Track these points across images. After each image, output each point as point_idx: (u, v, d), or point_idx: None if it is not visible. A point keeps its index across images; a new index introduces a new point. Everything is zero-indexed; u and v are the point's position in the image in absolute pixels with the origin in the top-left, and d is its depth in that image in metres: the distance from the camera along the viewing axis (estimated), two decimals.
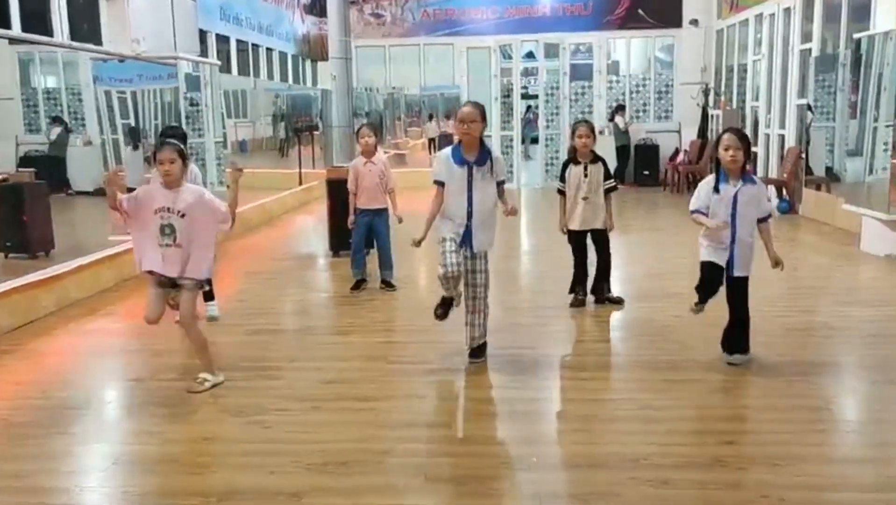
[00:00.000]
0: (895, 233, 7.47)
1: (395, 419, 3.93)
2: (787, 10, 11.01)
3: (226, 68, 10.40)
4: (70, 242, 8.16)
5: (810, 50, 10.31)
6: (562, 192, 5.81)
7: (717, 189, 4.33)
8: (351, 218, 6.62)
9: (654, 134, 14.87)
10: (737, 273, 4.39)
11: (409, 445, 3.60)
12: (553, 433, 3.76)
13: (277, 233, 10.68)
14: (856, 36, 8.35)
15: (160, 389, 4.34)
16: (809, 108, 10.31)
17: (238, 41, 11.11)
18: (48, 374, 4.79)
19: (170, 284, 4.28)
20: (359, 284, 6.63)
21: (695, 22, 14.60)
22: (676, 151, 14.64)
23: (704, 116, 14.07)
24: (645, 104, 15.25)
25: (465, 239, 4.44)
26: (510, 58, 15.55)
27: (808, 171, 10.40)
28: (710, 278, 4.46)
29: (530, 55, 16.28)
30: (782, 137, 11.34)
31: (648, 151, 14.73)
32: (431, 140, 19.06)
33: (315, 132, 15.62)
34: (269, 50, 12.40)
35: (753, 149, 11.82)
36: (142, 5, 7.88)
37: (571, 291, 5.96)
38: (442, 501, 3.12)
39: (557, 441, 3.67)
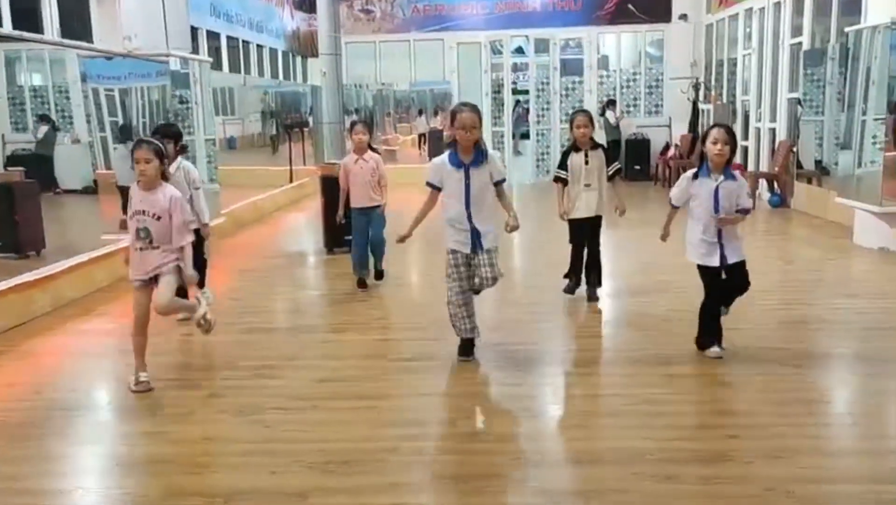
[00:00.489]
0: (888, 225, 7.50)
1: (397, 417, 3.92)
2: (778, 5, 11.04)
3: (216, 65, 10.32)
4: (60, 242, 8.09)
5: (801, 44, 10.35)
6: (560, 180, 5.79)
7: (696, 175, 4.38)
8: (340, 213, 6.61)
9: (645, 128, 14.90)
10: (732, 260, 4.41)
11: (412, 444, 3.58)
12: (556, 429, 3.76)
13: (270, 230, 10.63)
14: (846, 30, 8.38)
15: (158, 390, 4.29)
16: (799, 102, 10.37)
17: (228, 38, 11.02)
18: (44, 375, 4.74)
19: (149, 281, 4.25)
20: (363, 283, 6.61)
21: (684, 17, 14.63)
22: (667, 146, 14.68)
23: (695, 111, 14.11)
24: (635, 99, 15.27)
25: (474, 241, 4.43)
26: (500, 53, 15.53)
27: (799, 164, 10.45)
28: (714, 285, 4.46)
29: (519, 50, 16.27)
30: (773, 131, 11.38)
31: (639, 146, 14.76)
32: (421, 136, 19.04)
33: (305, 129, 15.57)
34: (259, 47, 12.31)
35: (745, 143, 11.87)
36: (133, 2, 7.80)
37: (567, 276, 5.98)
38: (449, 498, 3.11)
39: (560, 437, 3.67)
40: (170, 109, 10.05)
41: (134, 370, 4.28)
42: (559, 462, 3.40)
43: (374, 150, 6.67)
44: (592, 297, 5.89)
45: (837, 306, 5.70)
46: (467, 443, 3.64)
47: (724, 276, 4.48)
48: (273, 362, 4.73)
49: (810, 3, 10.17)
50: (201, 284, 5.66)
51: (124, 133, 9.87)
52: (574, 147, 5.75)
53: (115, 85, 9.90)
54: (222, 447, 3.58)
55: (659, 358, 4.63)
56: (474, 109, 4.43)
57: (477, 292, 4.63)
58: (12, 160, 11.90)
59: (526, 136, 16.92)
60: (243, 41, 11.61)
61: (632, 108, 15.21)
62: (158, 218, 4.13)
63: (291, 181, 13.58)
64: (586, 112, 5.93)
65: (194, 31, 9.73)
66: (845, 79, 8.91)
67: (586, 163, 5.69)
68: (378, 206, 6.55)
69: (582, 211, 5.78)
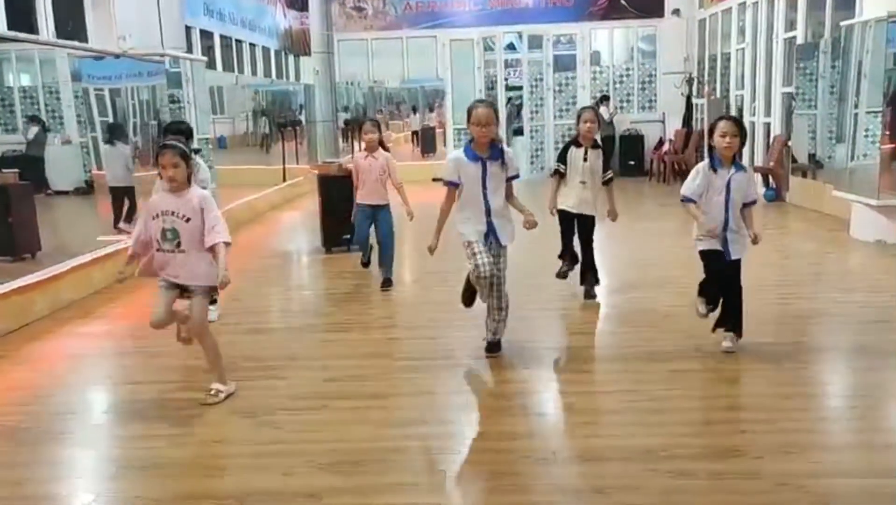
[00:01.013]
0: (885, 218, 7.54)
1: (407, 417, 3.90)
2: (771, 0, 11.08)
3: (210, 64, 10.27)
4: (55, 244, 8.03)
5: (795, 38, 10.38)
6: (558, 173, 5.74)
7: (713, 169, 4.35)
8: (354, 211, 6.65)
9: (639, 124, 14.92)
10: (733, 256, 4.42)
11: (423, 443, 3.58)
12: (565, 427, 3.75)
13: (266, 230, 10.59)
14: (842, 24, 8.42)
15: (163, 392, 4.27)
16: (792, 96, 10.41)
17: (222, 36, 10.97)
18: (46, 378, 4.70)
19: (180, 289, 4.05)
20: (366, 264, 6.77)
21: (677, 12, 14.66)
22: (661, 141, 14.71)
23: (689, 106, 14.14)
24: (629, 94, 15.29)
25: (490, 235, 4.43)
26: (492, 50, 15.53)
27: (792, 158, 10.50)
28: (716, 268, 4.46)
29: (511, 47, 16.27)
30: (767, 126, 11.42)
31: (633, 142, 14.79)
32: (415, 133, 19.00)
33: (298, 127, 15.50)
34: (252, 45, 12.25)
35: None
36: (127, 2, 7.74)
37: (561, 256, 5.95)
38: (465, 498, 3.11)
39: (570, 434, 3.66)
40: (161, 109, 10.00)
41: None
42: (571, 459, 3.39)
43: (384, 148, 6.63)
44: (590, 294, 5.89)
45: (839, 300, 5.72)
46: (478, 441, 3.63)
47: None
48: (278, 363, 4.71)
49: None
50: (212, 300, 5.64)
51: (114, 133, 9.80)
52: (576, 142, 5.74)
53: (105, 84, 9.86)
54: (233, 449, 3.56)
55: (662, 354, 4.63)
56: (490, 106, 4.43)
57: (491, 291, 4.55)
58: (2, 162, 11.80)
59: (519, 132, 16.92)
60: (236, 40, 11.54)
61: (625, 104, 15.24)
62: (188, 220, 3.92)
63: (285, 180, 13.52)
64: (594, 109, 5.97)
65: (188, 30, 9.68)
66: (841, 73, 8.96)
67: (585, 160, 5.66)
68: (385, 206, 6.53)
69: (571, 204, 5.71)
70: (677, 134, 14.21)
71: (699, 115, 13.81)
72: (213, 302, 5.65)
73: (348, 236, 8.00)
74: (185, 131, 5.33)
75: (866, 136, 8.53)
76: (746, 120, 12.04)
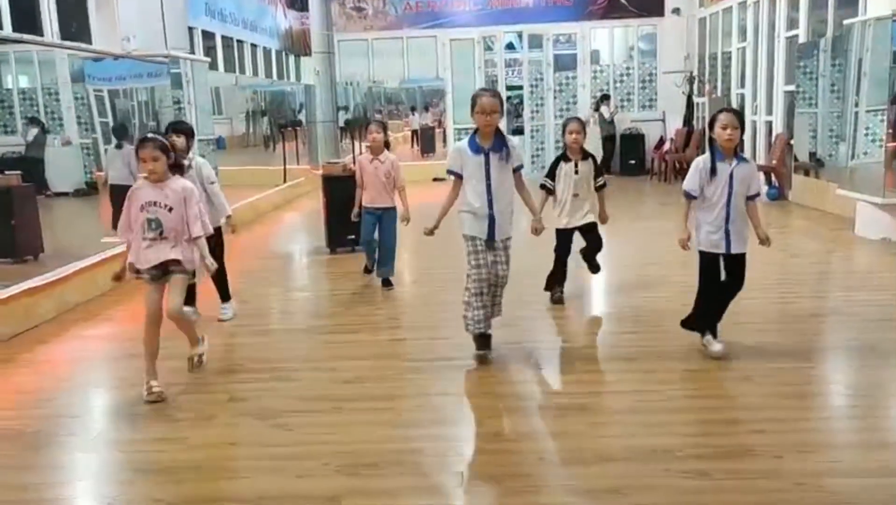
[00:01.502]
0: (889, 216, 7.55)
1: (420, 418, 3.89)
2: None
3: (212, 65, 10.25)
4: (57, 246, 8.01)
5: (797, 36, 10.38)
6: (545, 188, 5.64)
7: (713, 170, 4.31)
8: (354, 211, 6.58)
9: (639, 123, 14.93)
10: (734, 250, 4.37)
11: (439, 444, 3.56)
12: (580, 427, 3.73)
13: (268, 231, 10.56)
14: (846, 22, 8.42)
15: (176, 394, 4.25)
16: (794, 95, 10.42)
17: (223, 37, 10.94)
18: (55, 382, 4.68)
19: (161, 274, 4.17)
20: (369, 270, 6.73)
21: (677, 10, 14.65)
22: (661, 140, 14.72)
23: (689, 105, 14.14)
24: (629, 93, 15.29)
25: (490, 228, 4.41)
26: (492, 49, 15.51)
27: (794, 157, 10.51)
28: (711, 271, 4.43)
29: (510, 46, 16.25)
30: (769, 124, 11.42)
31: (634, 141, 14.79)
32: (414, 132, 18.97)
33: (298, 128, 15.46)
34: (253, 46, 12.23)
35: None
36: (131, 2, 7.71)
37: (548, 288, 5.84)
38: (483, 499, 3.09)
39: (585, 435, 3.63)
40: (160, 110, 9.97)
41: (144, 379, 4.18)
42: (587, 460, 3.37)
43: (388, 147, 6.61)
44: (597, 269, 5.94)
45: (846, 298, 5.72)
46: (493, 442, 3.62)
47: (722, 267, 4.45)
48: (289, 364, 4.69)
49: None
50: (226, 298, 5.64)
51: (117, 134, 9.77)
52: (564, 156, 5.66)
53: (104, 85, 9.83)
54: (247, 452, 3.54)
55: (671, 354, 4.62)
56: (495, 94, 4.42)
57: (494, 290, 4.56)
58: (2, 163, 11.77)
59: (519, 131, 16.90)
60: (237, 40, 11.51)
61: (625, 103, 15.23)
62: (171, 209, 4.10)
63: (285, 181, 13.50)
64: (579, 119, 5.82)
65: (190, 31, 9.66)
66: (843, 71, 8.97)
67: (576, 172, 5.59)
68: (391, 209, 6.48)
69: (565, 221, 5.67)
70: (678, 133, 14.21)
71: (700, 113, 13.80)
72: (228, 299, 5.67)
73: (353, 237, 7.99)
74: (185, 131, 5.31)
75: (867, 134, 8.54)
76: (748, 119, 12.05)
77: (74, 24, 6.97)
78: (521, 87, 15.78)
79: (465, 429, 3.80)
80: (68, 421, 4.03)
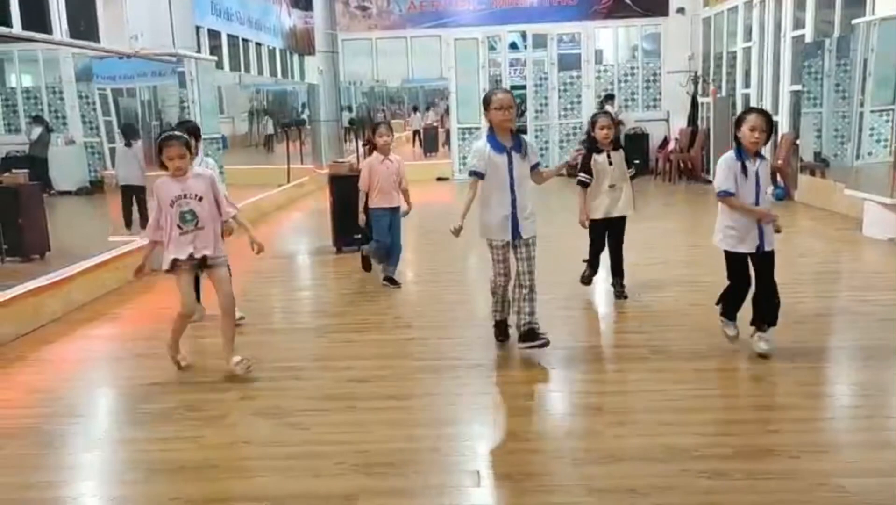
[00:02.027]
0: None
1: (433, 417, 3.88)
2: None
3: (217, 64, 10.23)
4: (63, 244, 8.00)
5: (803, 36, 10.37)
6: (583, 184, 5.72)
7: (744, 170, 4.27)
8: (362, 217, 6.50)
9: (643, 123, 14.90)
10: (767, 248, 4.35)
11: (454, 443, 3.55)
12: (595, 426, 3.72)
13: (273, 230, 10.55)
14: (854, 21, 8.41)
15: (185, 393, 4.24)
16: (800, 94, 10.41)
17: (229, 36, 10.93)
18: (65, 380, 4.67)
19: (200, 266, 4.35)
20: (392, 280, 6.58)
21: (681, 10, 14.64)
22: (665, 140, 14.70)
23: (694, 104, 14.12)
24: (633, 93, 15.28)
25: (514, 228, 4.41)
26: (495, 49, 15.50)
27: (800, 157, 10.50)
28: (742, 274, 4.41)
29: (513, 46, 16.23)
30: (775, 124, 11.39)
31: (638, 140, 14.74)
32: (416, 132, 18.98)
33: (302, 127, 15.47)
34: (258, 45, 12.21)
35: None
36: (139, 1, 7.70)
37: (587, 260, 5.98)
38: (500, 498, 3.08)
39: (601, 434, 3.62)
40: (163, 109, 9.96)
41: (171, 354, 4.44)
42: (602, 459, 3.35)
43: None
44: (621, 295, 5.88)
45: (861, 298, 5.70)
46: (508, 442, 3.61)
47: (751, 266, 4.43)
48: (300, 363, 4.68)
49: None
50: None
51: (126, 134, 9.75)
52: (596, 149, 5.71)
53: (110, 85, 9.81)
54: (262, 451, 3.53)
55: (686, 353, 4.61)
56: (508, 91, 4.51)
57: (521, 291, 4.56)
58: (6, 162, 11.78)
59: (521, 131, 16.89)
60: (242, 39, 11.50)
61: (629, 103, 15.22)
62: (200, 199, 4.25)
63: (289, 180, 13.49)
64: (608, 113, 5.99)
65: (196, 30, 9.64)
66: (849, 71, 8.96)
67: (610, 163, 5.67)
68: (398, 208, 6.50)
69: (601, 212, 5.73)
70: (682, 133, 14.19)
71: (704, 113, 13.79)
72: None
73: (359, 236, 7.97)
74: (192, 130, 5.30)
75: (871, 135, 8.53)
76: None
77: (83, 23, 6.95)
78: (524, 87, 15.76)
79: (479, 428, 3.79)
80: (78, 420, 4.03)
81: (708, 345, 4.69)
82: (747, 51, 12.25)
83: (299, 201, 13.01)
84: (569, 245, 6.60)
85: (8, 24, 5.81)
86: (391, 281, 6.53)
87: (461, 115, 15.31)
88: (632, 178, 5.77)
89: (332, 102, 15.34)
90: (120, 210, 8.84)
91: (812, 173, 10.28)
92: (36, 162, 12.00)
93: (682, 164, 13.50)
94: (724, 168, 4.34)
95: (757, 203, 4.32)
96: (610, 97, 14.81)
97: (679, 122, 14.52)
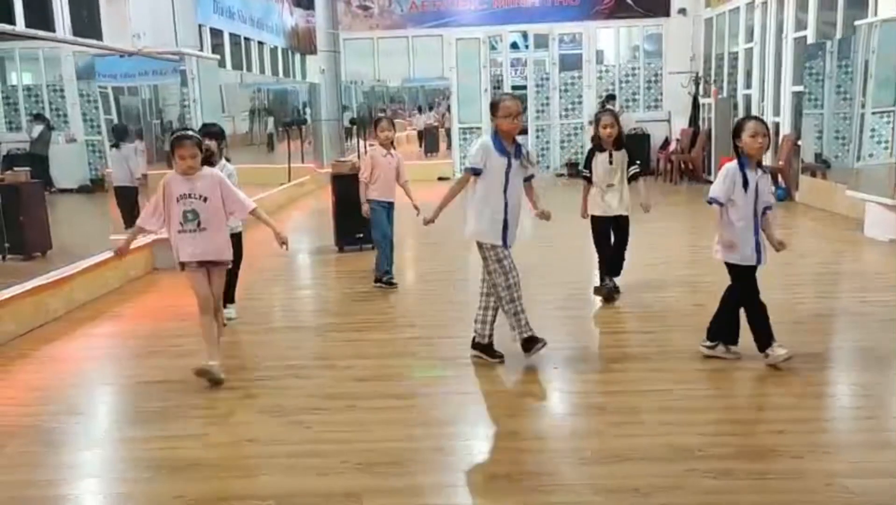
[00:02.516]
0: None
1: (437, 416, 3.88)
2: None
3: (220, 63, 10.22)
4: (64, 242, 8.00)
5: (805, 37, 10.37)
6: (587, 178, 5.77)
7: (745, 184, 4.20)
8: (365, 207, 6.46)
9: (644, 123, 14.91)
10: (765, 262, 4.32)
11: (458, 443, 3.55)
12: (600, 426, 3.71)
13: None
14: (857, 23, 8.41)
15: (187, 392, 4.22)
16: (802, 95, 10.42)
17: (231, 35, 10.92)
18: (68, 379, 4.66)
19: (204, 263, 4.34)
20: (391, 282, 6.48)
21: (683, 11, 14.64)
22: (667, 141, 14.70)
23: (695, 105, 14.12)
24: (634, 93, 15.28)
25: (503, 235, 4.38)
26: (496, 49, 15.51)
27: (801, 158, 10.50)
28: (753, 282, 4.31)
29: (514, 46, 16.23)
30: (776, 125, 11.40)
31: (639, 141, 14.73)
32: (420, 133, 18.95)
33: (303, 126, 15.45)
34: (260, 44, 12.21)
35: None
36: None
37: (602, 280, 5.89)
38: (505, 497, 3.07)
39: (606, 434, 3.61)
40: (164, 108, 9.95)
41: (208, 358, 4.27)
42: (607, 459, 3.35)
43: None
44: (609, 293, 5.85)
45: (863, 299, 5.70)
46: (512, 441, 3.60)
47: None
48: (303, 362, 4.68)
49: None
50: (231, 300, 5.60)
51: (115, 135, 9.72)
52: (598, 147, 5.73)
53: (112, 83, 9.80)
54: (266, 449, 3.52)
55: (688, 354, 4.59)
56: (516, 98, 4.48)
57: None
58: (7, 159, 11.77)
59: (523, 131, 16.88)
60: (245, 38, 11.50)
61: (631, 103, 15.22)
62: (205, 199, 4.22)
63: (290, 179, 13.48)
64: (612, 112, 5.98)
65: (199, 28, 9.63)
66: (850, 73, 8.96)
67: (610, 163, 5.69)
68: (392, 202, 6.51)
69: (601, 209, 5.75)
70: (683, 133, 14.19)
71: (706, 114, 13.79)
72: (231, 301, 5.64)
73: (361, 235, 7.97)
74: (215, 133, 5.30)
75: (872, 136, 8.53)
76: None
77: (86, 21, 6.95)
78: (525, 87, 15.76)
79: (482, 428, 3.79)
80: (80, 418, 4.02)
81: None
82: (749, 52, 12.25)
83: (300, 200, 13.00)
84: (570, 245, 6.60)
85: (12, 21, 5.81)
86: (391, 283, 6.47)
87: (462, 115, 15.31)
88: (633, 177, 5.75)
89: (333, 102, 15.34)
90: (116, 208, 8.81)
91: (813, 174, 10.28)
92: (37, 160, 12.01)
93: (683, 165, 13.50)
94: (723, 176, 4.28)
95: (755, 217, 4.25)
96: (611, 97, 14.80)
97: (680, 123, 14.52)
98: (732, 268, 4.35)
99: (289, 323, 5.78)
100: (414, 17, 15.34)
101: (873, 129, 8.53)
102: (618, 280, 5.92)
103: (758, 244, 4.28)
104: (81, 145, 12.69)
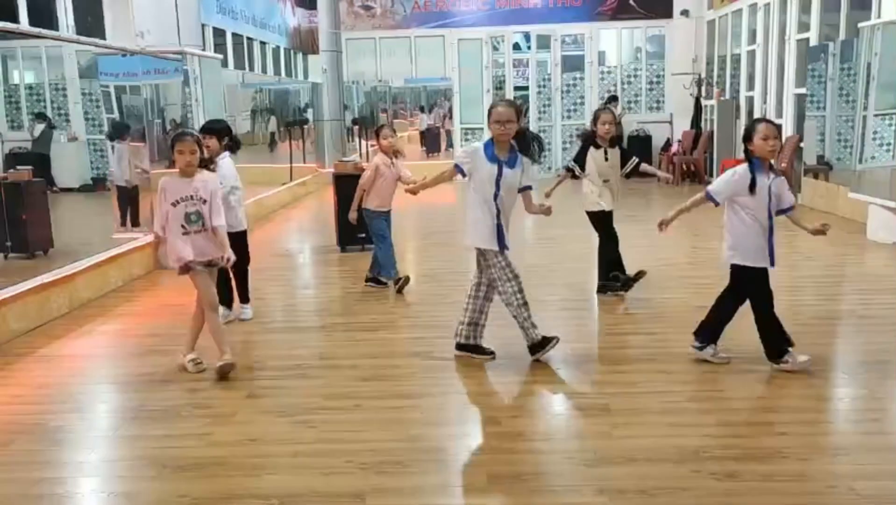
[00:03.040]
0: None
1: (442, 416, 3.88)
2: (784, 0, 11.05)
3: (223, 62, 10.23)
4: (66, 241, 7.98)
5: (808, 39, 10.37)
6: (570, 171, 5.88)
7: (753, 186, 4.15)
8: (353, 215, 6.45)
9: (646, 125, 14.92)
10: (775, 265, 4.30)
11: (462, 443, 3.56)
12: (604, 427, 3.71)
13: (276, 228, 10.54)
14: (860, 25, 8.41)
15: (192, 390, 4.23)
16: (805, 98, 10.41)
17: (234, 34, 10.93)
18: (73, 376, 4.66)
19: (207, 266, 4.41)
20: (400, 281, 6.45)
21: (685, 13, 14.64)
22: (668, 142, 14.70)
23: (697, 107, 14.13)
24: (636, 95, 15.29)
25: (499, 239, 4.37)
26: (498, 49, 15.52)
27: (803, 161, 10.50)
28: (766, 292, 4.28)
29: (516, 47, 16.25)
30: (778, 127, 11.40)
31: (641, 142, 14.77)
32: (421, 132, 18.95)
33: (305, 126, 15.45)
34: (262, 43, 12.22)
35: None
36: None
37: (614, 278, 5.90)
38: (510, 498, 3.06)
39: (610, 435, 3.61)
40: (165, 107, 9.94)
41: (221, 355, 4.36)
42: (613, 460, 3.34)
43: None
44: (602, 289, 5.94)
45: (868, 302, 5.70)
46: (517, 442, 3.59)
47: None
48: (307, 362, 4.68)
49: None
50: (246, 299, 5.61)
51: (110, 135, 9.71)
52: (594, 144, 5.74)
53: (114, 82, 9.79)
54: (270, 449, 3.52)
55: (689, 355, 4.58)
56: (510, 104, 4.39)
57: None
58: (10, 158, 11.77)
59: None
60: (247, 38, 11.50)
61: (633, 105, 15.23)
62: (205, 201, 4.31)
63: (291, 179, 13.48)
64: (610, 109, 6.08)
65: (202, 27, 9.64)
66: (852, 75, 8.96)
67: (606, 159, 5.75)
68: (390, 210, 6.50)
69: (603, 205, 5.80)
70: (685, 135, 14.19)
71: (708, 116, 13.79)
72: (247, 301, 5.66)
73: (363, 235, 7.97)
74: (218, 130, 5.29)
75: (874, 139, 8.53)
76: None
77: (89, 19, 6.95)
78: (527, 88, 15.78)
79: (488, 428, 3.79)
80: (85, 416, 4.03)
81: (718, 347, 4.68)
82: (751, 53, 12.26)
83: (302, 200, 13.01)
84: (572, 247, 6.60)
85: (15, 20, 5.81)
86: (376, 281, 6.47)
87: (464, 116, 15.31)
88: (629, 174, 5.89)
89: (335, 102, 15.34)
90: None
91: (816, 176, 10.28)
92: (38, 159, 12.00)
93: (685, 167, 13.50)
94: (729, 175, 4.25)
95: (770, 220, 4.22)
96: (613, 99, 14.82)
97: (682, 125, 14.52)
98: (741, 270, 4.31)
99: (292, 323, 5.78)
100: (417, 17, 15.35)
101: (875, 132, 8.53)
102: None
103: (770, 248, 4.24)
104: (83, 144, 12.69)
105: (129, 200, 8.55)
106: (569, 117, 15.32)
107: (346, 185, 8.08)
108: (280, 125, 14.50)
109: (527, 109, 15.66)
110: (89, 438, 3.76)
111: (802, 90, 10.56)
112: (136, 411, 4.07)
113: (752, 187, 4.16)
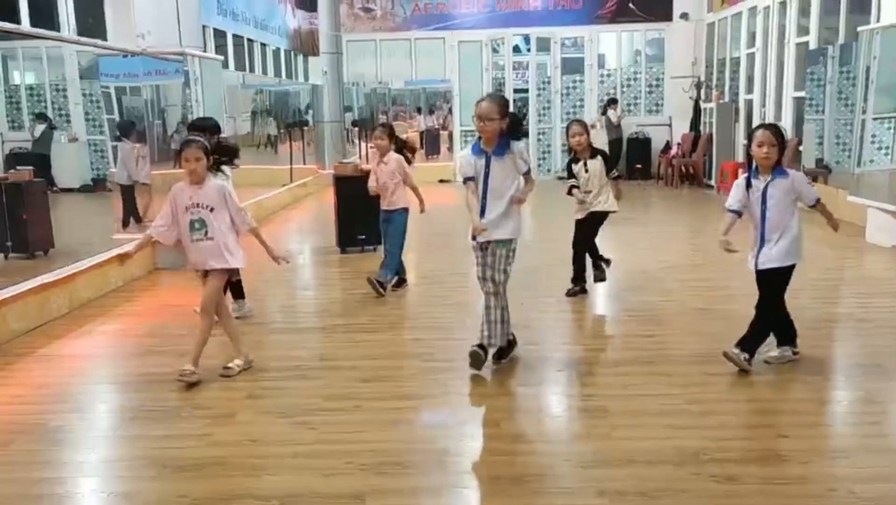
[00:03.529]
0: None
1: (443, 418, 3.87)
2: (783, 4, 11.08)
3: (223, 63, 10.24)
4: (66, 241, 7.99)
5: (807, 43, 10.39)
6: (574, 187, 5.90)
7: (748, 184, 4.27)
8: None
9: (646, 127, 14.94)
10: (759, 266, 4.31)
11: (462, 444, 3.55)
12: (604, 429, 3.71)
13: (277, 229, 10.52)
14: (859, 29, 8.42)
15: (192, 391, 4.22)
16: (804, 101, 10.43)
17: (234, 36, 10.94)
18: (73, 377, 4.66)
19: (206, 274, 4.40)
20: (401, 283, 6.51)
21: (685, 16, 14.66)
22: (668, 145, 14.72)
23: (697, 110, 14.14)
24: (636, 98, 15.31)
25: (473, 234, 4.32)
26: (497, 52, 15.53)
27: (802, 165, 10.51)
28: (778, 293, 4.37)
29: (516, 49, 16.27)
30: (781, 130, 11.41)
31: (640, 145, 14.79)
32: (421, 134, 18.95)
33: (305, 128, 15.45)
34: (263, 45, 12.23)
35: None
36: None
37: (574, 281, 6.05)
38: (509, 500, 3.06)
39: (610, 437, 3.61)
40: (166, 108, 9.94)
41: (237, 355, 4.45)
42: (614, 462, 3.34)
43: (400, 151, 6.54)
44: (599, 277, 6.05)
45: (867, 304, 5.71)
46: (516, 444, 3.60)
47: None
48: (307, 363, 4.68)
49: (817, 1, 10.20)
50: (240, 295, 5.62)
51: (114, 135, 9.72)
52: (574, 157, 5.89)
53: (115, 83, 9.80)
54: (271, 449, 3.52)
55: (692, 357, 4.61)
56: (494, 100, 4.31)
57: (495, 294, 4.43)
58: (10, 158, 11.77)
59: (524, 135, 16.90)
60: (248, 39, 11.51)
61: (632, 107, 15.25)
62: (212, 209, 4.29)
63: (292, 180, 13.49)
64: (581, 121, 6.10)
65: (203, 29, 9.65)
66: (851, 79, 8.98)
67: (586, 171, 5.81)
68: (396, 211, 6.41)
69: (581, 213, 5.95)
70: (685, 138, 14.21)
71: (707, 119, 13.80)
72: (242, 297, 5.67)
73: (363, 237, 8.00)
74: (209, 127, 5.29)
75: (873, 142, 8.54)
76: (755, 125, 12.04)
77: (90, 20, 6.96)
78: (527, 91, 15.79)
79: (488, 429, 3.79)
80: (85, 416, 4.03)
81: (717, 349, 4.65)
82: (751, 57, 12.28)
83: (302, 201, 13.01)
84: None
85: (16, 20, 5.82)
86: (379, 284, 6.45)
87: (464, 118, 15.32)
88: (616, 178, 5.91)
89: (335, 103, 15.35)
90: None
91: (815, 179, 10.28)
92: (39, 159, 12.00)
93: (684, 170, 13.52)
94: (735, 186, 4.43)
95: (763, 225, 4.24)
96: (613, 101, 14.83)
97: (682, 128, 14.54)
98: (763, 274, 4.35)
99: (292, 324, 5.77)
100: (417, 19, 15.36)
101: (874, 135, 8.55)
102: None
103: (758, 251, 4.29)
104: (83, 145, 12.69)
105: (128, 200, 8.57)
106: (568, 120, 15.32)
107: (346, 186, 8.12)
108: (280, 127, 14.50)
109: (526, 112, 15.68)
110: (89, 438, 3.76)
111: (801, 93, 10.57)
112: (136, 411, 4.07)
113: (748, 188, 4.27)
